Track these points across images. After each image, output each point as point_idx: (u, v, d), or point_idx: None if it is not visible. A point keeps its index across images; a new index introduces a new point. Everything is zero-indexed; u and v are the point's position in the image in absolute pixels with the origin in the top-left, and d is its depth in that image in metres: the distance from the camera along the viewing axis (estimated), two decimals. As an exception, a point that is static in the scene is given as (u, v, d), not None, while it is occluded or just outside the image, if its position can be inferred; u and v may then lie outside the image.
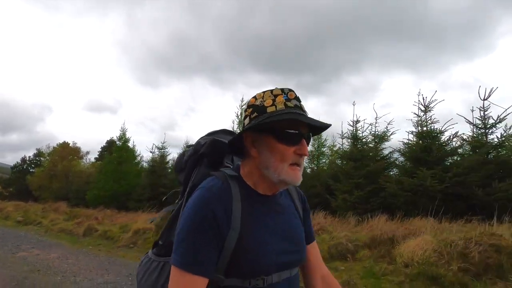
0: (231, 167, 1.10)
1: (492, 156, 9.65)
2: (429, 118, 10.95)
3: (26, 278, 5.44)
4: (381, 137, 13.05)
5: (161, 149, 20.21)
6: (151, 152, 20.51)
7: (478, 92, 10.13)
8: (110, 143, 30.57)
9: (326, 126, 0.99)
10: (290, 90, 0.98)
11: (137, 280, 1.11)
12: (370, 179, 11.02)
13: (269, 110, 0.95)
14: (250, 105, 1.00)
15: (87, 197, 20.87)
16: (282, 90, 0.98)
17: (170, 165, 20.33)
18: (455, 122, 10.57)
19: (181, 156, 1.23)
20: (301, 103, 0.98)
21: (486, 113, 10.11)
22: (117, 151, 21.54)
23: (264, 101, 0.97)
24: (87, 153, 35.34)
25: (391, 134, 12.84)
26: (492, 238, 4.16)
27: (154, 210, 12.64)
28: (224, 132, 1.24)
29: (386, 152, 13.00)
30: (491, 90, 10.08)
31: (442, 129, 10.57)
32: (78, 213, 14.60)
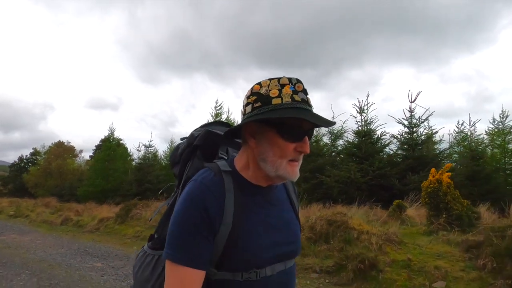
0: (226, 158, 1.06)
1: (413, 152, 11.01)
2: (365, 119, 12.33)
3: (-3, 252, 6.91)
4: (337, 135, 14.45)
5: (148, 147, 21.16)
6: (138, 150, 21.74)
7: (408, 95, 11.48)
8: (104, 141, 31.88)
9: (330, 124, 0.94)
10: (298, 81, 0.92)
11: (133, 273, 1.10)
12: (315, 173, 12.41)
13: (274, 101, 0.88)
14: (254, 92, 0.93)
15: (78, 193, 22.19)
16: (290, 80, 0.91)
17: (157, 162, 21.65)
18: (385, 122, 11.90)
19: (175, 149, 1.18)
20: (308, 96, 0.92)
21: (412, 113, 11.47)
22: (105, 150, 22.98)
23: (269, 90, 0.90)
24: (81, 151, 37.24)
25: (344, 132, 14.26)
26: (332, 216, 5.53)
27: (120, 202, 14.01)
28: (218, 123, 1.19)
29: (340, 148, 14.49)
30: (417, 93, 11.42)
31: (373, 128, 11.95)
32: (64, 207, 16.00)
